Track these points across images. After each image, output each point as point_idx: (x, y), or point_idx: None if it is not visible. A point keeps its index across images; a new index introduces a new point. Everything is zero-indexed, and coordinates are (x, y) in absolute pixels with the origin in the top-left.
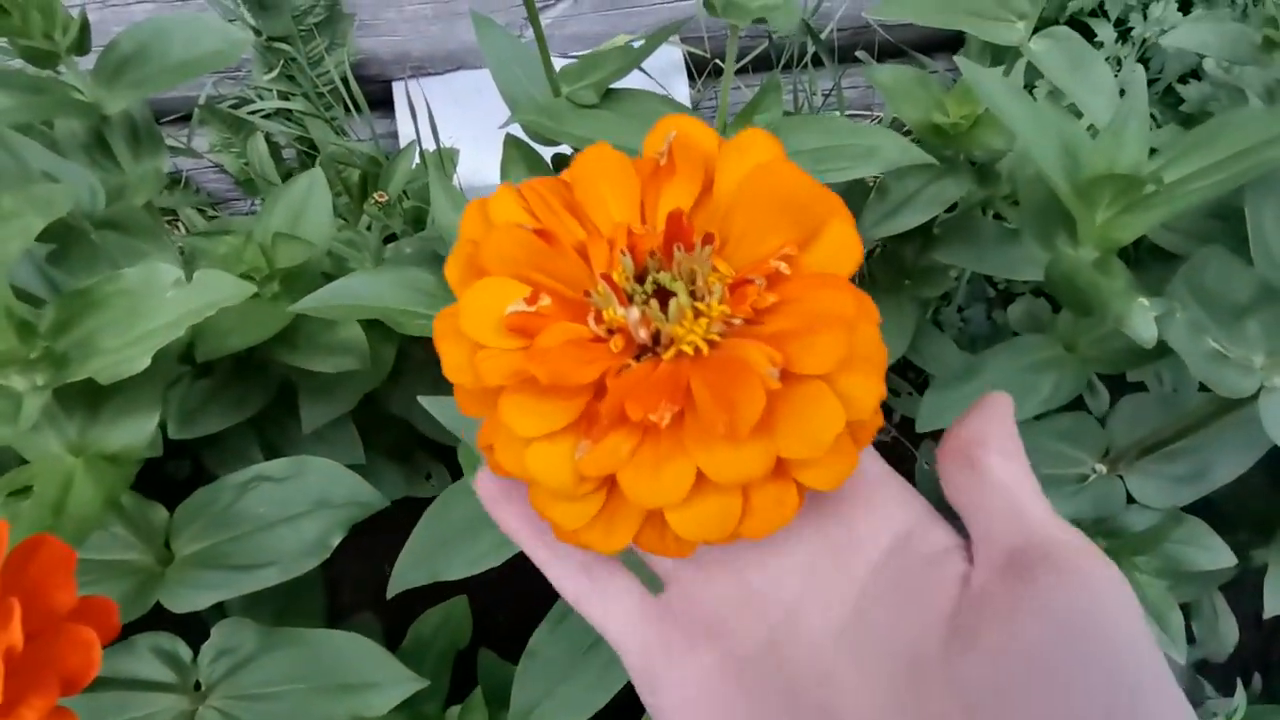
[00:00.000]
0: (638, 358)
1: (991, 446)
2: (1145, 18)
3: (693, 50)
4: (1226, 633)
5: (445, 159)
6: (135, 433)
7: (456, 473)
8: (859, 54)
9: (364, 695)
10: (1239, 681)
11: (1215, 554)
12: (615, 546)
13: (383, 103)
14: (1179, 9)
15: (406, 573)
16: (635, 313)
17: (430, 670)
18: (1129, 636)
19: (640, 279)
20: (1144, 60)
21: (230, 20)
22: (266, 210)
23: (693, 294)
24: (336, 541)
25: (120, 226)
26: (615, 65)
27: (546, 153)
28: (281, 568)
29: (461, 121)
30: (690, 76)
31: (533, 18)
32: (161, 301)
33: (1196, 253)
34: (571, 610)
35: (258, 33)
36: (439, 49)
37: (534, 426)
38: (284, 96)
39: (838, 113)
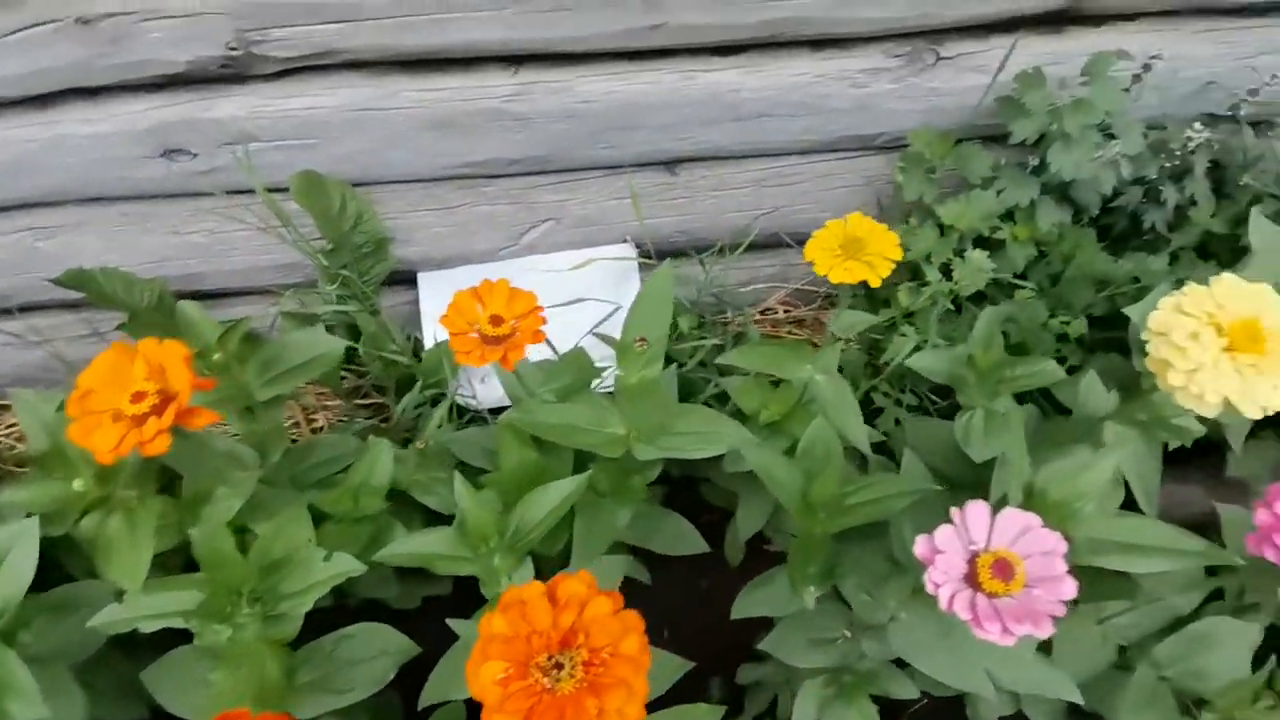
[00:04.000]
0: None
1: None
2: (963, 260)
3: (644, 255)
4: None
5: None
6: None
7: None
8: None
9: None
10: None
11: (906, 687)
12: None
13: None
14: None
15: (431, 692)
16: (546, 680)
17: None
18: None
19: (551, 658)
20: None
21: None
22: None
23: (572, 667)
24: (391, 675)
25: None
26: (571, 377)
27: None
28: (360, 690)
29: None
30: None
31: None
32: None
33: (859, 546)
34: None
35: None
36: (455, 254)
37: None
38: (341, 300)
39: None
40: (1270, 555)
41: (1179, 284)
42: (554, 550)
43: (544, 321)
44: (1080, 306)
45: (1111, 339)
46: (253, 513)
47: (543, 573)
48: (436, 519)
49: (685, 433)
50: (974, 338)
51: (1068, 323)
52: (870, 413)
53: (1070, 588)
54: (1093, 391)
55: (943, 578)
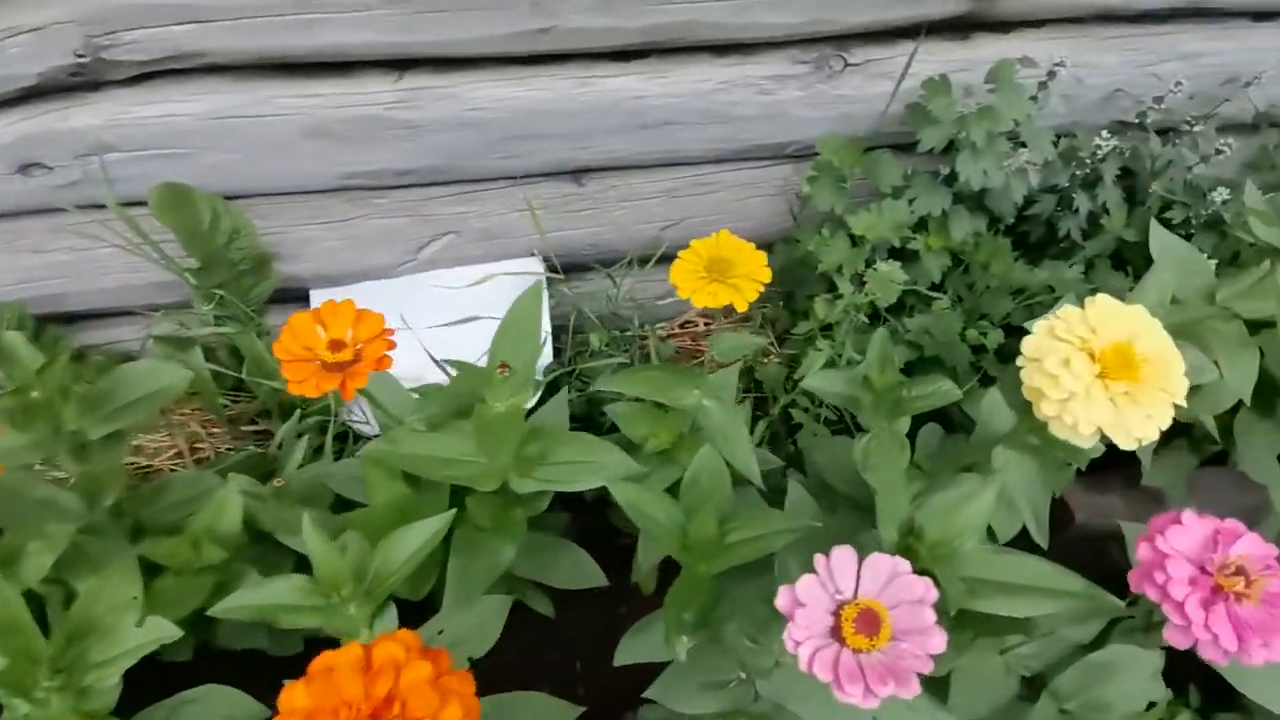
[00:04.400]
0: None
1: None
2: (874, 270)
3: (552, 269)
4: None
5: None
6: None
7: None
8: None
9: None
10: None
11: None
12: None
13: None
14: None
15: None
16: None
17: None
18: None
19: None
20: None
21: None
22: None
23: None
24: None
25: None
26: (438, 406)
27: None
28: None
29: None
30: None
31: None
32: None
33: (742, 586)
34: None
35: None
36: (349, 270)
37: None
38: (219, 320)
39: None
40: (1151, 594)
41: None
42: (423, 593)
43: (391, 346)
44: (998, 317)
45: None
46: (77, 567)
47: (411, 619)
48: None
49: (565, 463)
50: (868, 359)
51: (985, 334)
52: (792, 428)
53: (939, 641)
54: (994, 410)
55: (803, 634)
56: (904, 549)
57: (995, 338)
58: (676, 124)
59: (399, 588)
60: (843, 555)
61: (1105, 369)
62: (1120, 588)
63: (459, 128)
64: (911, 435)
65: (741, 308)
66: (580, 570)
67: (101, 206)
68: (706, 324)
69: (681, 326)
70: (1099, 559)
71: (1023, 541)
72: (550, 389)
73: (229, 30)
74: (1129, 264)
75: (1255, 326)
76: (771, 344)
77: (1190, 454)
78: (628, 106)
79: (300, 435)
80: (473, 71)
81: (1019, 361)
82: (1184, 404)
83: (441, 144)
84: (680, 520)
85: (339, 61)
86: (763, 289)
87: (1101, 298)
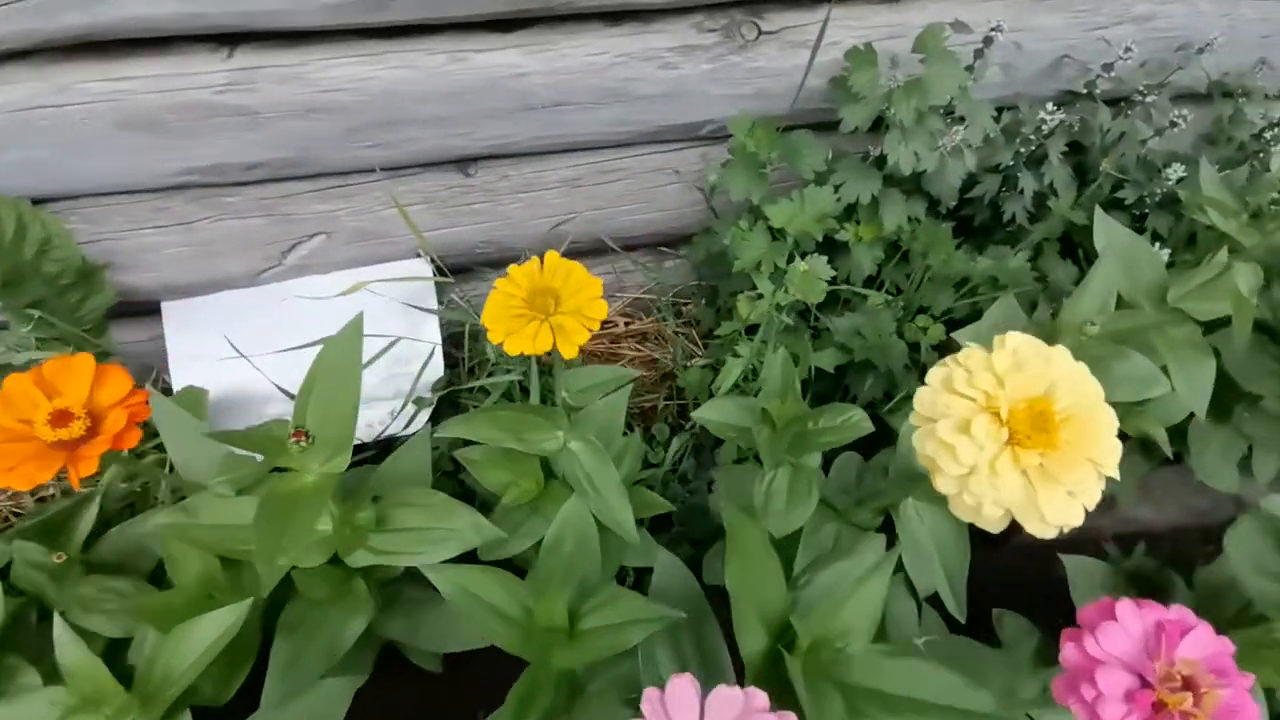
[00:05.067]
0: None
1: None
2: (796, 267)
3: (441, 271)
4: None
5: (196, 402)
6: None
7: None
8: None
9: None
10: None
11: None
12: None
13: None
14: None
15: None
16: None
17: None
18: None
19: None
20: None
21: None
22: None
23: None
24: None
25: None
26: (249, 470)
27: None
28: None
29: (235, 333)
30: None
31: None
32: None
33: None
34: None
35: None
36: (202, 279)
37: None
38: (42, 344)
39: None
40: (1079, 712)
41: (1042, 282)
42: (226, 697)
43: (140, 416)
44: (939, 310)
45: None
46: None
47: None
48: (118, 645)
49: (406, 530)
50: (766, 386)
51: (925, 329)
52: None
53: None
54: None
55: None
56: (771, 658)
57: (936, 333)
58: (568, 105)
59: (194, 692)
60: (682, 688)
61: (1016, 433)
62: (1069, 608)
63: (309, 114)
64: (830, 459)
65: (568, 354)
66: (450, 630)
67: None
68: (627, 323)
69: (600, 328)
70: (1046, 572)
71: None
72: (447, 404)
73: (17, 11)
74: (1080, 247)
75: (1211, 326)
76: (695, 345)
77: (1142, 459)
78: (510, 86)
79: (130, 479)
80: (319, 47)
81: (911, 418)
82: (1115, 475)
83: (291, 133)
84: (526, 603)
85: (151, 38)
86: (597, 328)
87: (1013, 338)
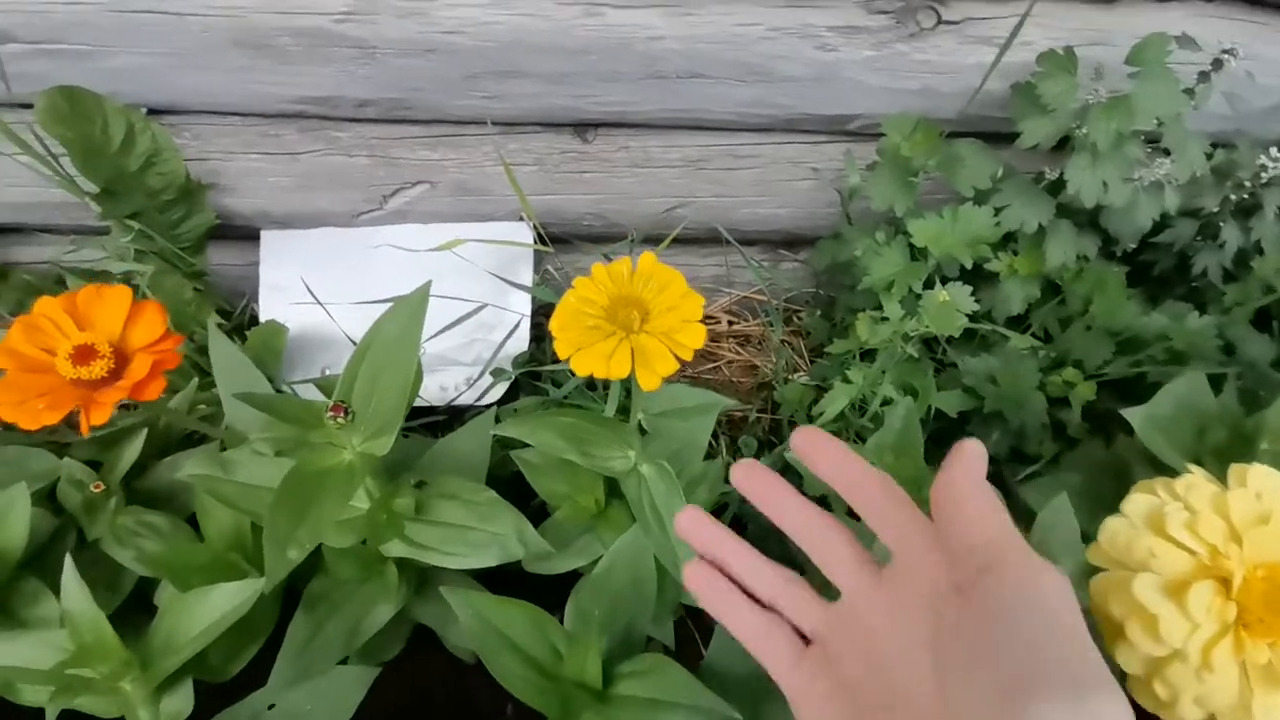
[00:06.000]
0: None
1: (962, 482)
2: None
3: (542, 240)
4: None
5: (274, 337)
6: None
7: None
8: None
9: None
10: None
11: None
12: None
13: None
14: None
15: None
16: None
17: None
18: (1052, 613)
19: None
20: None
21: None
22: None
23: None
24: None
25: None
26: (284, 432)
27: None
28: None
29: (324, 273)
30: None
31: None
32: None
33: None
34: None
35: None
36: (300, 212)
37: None
38: (140, 255)
39: None
40: None
41: (1227, 351)
42: (230, 673)
43: (170, 363)
44: (1092, 365)
45: (1120, 414)
46: None
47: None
48: (147, 584)
49: (443, 525)
50: (880, 436)
51: (1072, 384)
52: None
53: None
54: (1057, 522)
55: None
56: None
57: (1085, 391)
58: (703, 77)
59: (200, 661)
60: None
61: (1246, 613)
62: None
63: (426, 54)
64: None
65: (648, 385)
66: None
67: (5, 105)
68: (731, 322)
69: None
70: None
71: None
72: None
73: None
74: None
75: None
76: (800, 357)
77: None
78: (642, 49)
79: (195, 407)
80: None
81: (1090, 555)
82: None
83: (406, 72)
84: (557, 645)
85: None
86: (689, 357)
87: (1259, 474)
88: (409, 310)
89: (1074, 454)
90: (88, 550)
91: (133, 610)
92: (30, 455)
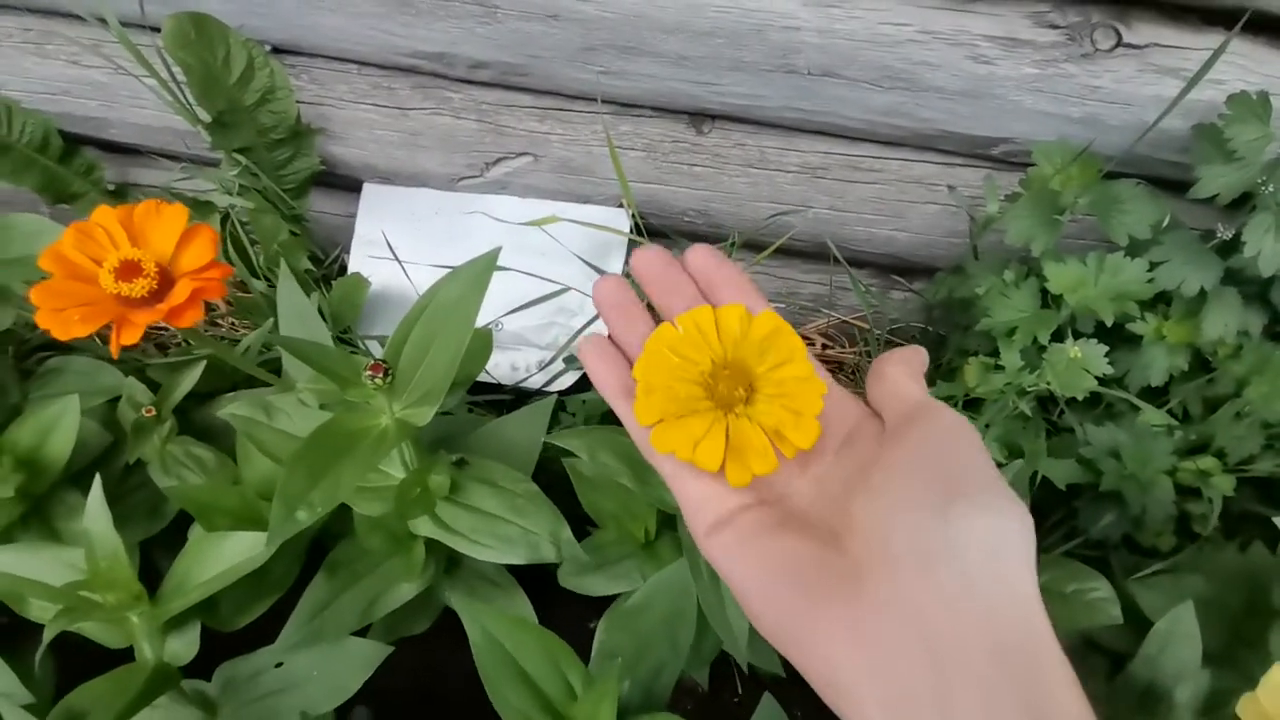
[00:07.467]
0: None
1: (894, 366)
2: (1063, 347)
3: (638, 230)
4: None
5: (356, 290)
6: None
7: None
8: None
9: None
10: None
11: None
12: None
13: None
14: None
15: None
16: None
17: None
18: (965, 444)
19: None
20: None
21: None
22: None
23: None
24: None
25: None
26: (328, 385)
27: None
28: None
29: (415, 234)
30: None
31: None
32: None
33: None
34: None
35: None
36: (402, 169)
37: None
38: (243, 191)
39: None
40: None
41: None
42: (237, 624)
43: (213, 294)
44: (1237, 458)
45: (1262, 516)
46: None
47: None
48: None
49: (476, 511)
50: None
51: (1208, 475)
52: None
53: None
54: (1174, 643)
55: None
56: None
57: (1223, 484)
58: (838, 77)
59: (211, 608)
60: None
61: None
62: None
63: (548, 19)
64: None
65: (738, 482)
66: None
67: (139, 27)
68: (825, 346)
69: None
70: None
71: None
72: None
73: None
74: None
75: None
76: None
77: None
78: (775, 39)
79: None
80: None
81: (1242, 709)
82: None
83: (525, 36)
84: (571, 681)
85: None
86: (792, 456)
87: None
88: (471, 277)
89: (1200, 555)
90: (137, 473)
91: (174, 540)
92: (101, 369)
